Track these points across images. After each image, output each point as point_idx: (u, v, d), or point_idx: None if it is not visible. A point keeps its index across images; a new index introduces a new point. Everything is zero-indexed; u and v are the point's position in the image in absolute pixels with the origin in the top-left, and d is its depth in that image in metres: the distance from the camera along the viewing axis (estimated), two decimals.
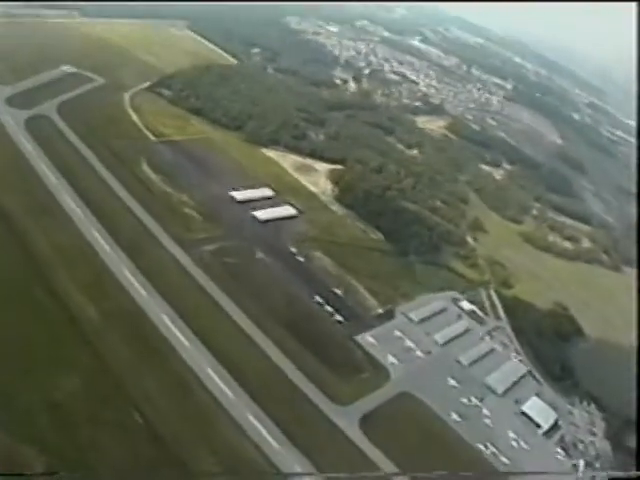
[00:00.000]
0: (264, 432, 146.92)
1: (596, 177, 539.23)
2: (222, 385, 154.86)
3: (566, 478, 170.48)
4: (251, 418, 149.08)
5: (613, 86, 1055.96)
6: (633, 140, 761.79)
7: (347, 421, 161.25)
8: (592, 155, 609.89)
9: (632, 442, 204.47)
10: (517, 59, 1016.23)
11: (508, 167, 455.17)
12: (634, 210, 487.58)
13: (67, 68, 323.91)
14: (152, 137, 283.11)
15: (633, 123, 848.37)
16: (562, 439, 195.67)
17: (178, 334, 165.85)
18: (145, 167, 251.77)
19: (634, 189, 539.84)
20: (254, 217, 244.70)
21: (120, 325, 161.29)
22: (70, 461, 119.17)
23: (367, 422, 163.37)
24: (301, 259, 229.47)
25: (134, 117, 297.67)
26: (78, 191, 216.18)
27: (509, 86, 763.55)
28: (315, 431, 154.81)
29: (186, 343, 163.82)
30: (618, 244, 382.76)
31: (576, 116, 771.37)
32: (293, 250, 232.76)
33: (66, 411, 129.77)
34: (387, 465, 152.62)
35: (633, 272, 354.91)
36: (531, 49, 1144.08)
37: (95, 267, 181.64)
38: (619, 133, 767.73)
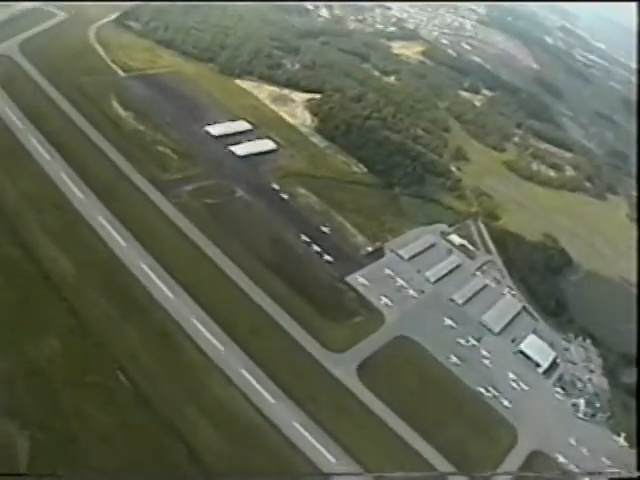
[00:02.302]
0: (258, 386, 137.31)
1: (573, 102, 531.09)
2: (211, 338, 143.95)
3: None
4: (243, 371, 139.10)
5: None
6: (606, 64, 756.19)
7: (344, 370, 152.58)
8: (568, 80, 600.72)
9: (629, 378, 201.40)
10: None
11: (487, 93, 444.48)
12: (612, 135, 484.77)
13: (27, 3, 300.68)
14: (121, 72, 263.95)
15: (604, 47, 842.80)
16: (561, 378, 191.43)
17: (160, 284, 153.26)
18: (115, 104, 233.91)
19: (610, 114, 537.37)
20: (232, 153, 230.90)
21: (97, 278, 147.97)
22: (54, 433, 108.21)
23: (365, 370, 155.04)
24: (285, 196, 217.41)
25: (101, 52, 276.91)
26: (45, 134, 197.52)
27: (481, 10, 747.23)
28: (312, 382, 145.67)
29: (169, 294, 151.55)
30: (601, 172, 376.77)
31: (549, 40, 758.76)
32: (275, 187, 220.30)
33: (46, 377, 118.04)
34: (389, 416, 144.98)
35: (617, 199, 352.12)
36: None
37: (67, 215, 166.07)
38: (593, 57, 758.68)
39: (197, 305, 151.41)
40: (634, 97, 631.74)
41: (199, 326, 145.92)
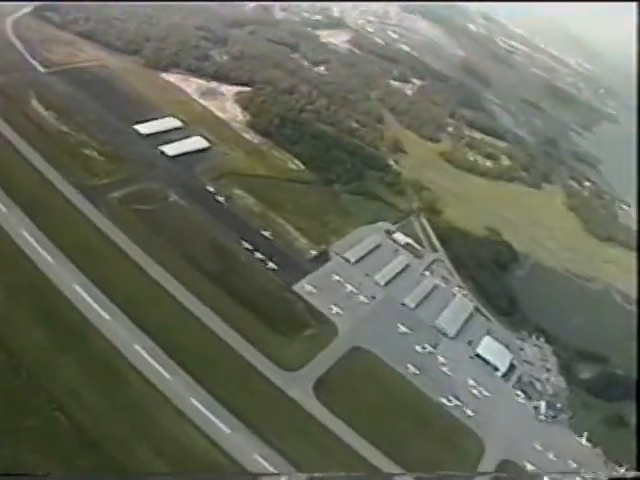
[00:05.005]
0: (211, 416, 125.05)
1: (501, 90, 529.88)
2: (155, 364, 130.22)
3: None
4: (194, 401, 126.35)
5: None
6: (528, 50, 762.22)
7: (300, 390, 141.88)
8: (493, 67, 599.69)
9: (586, 374, 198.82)
10: None
11: (417, 82, 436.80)
12: (540, 122, 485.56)
13: None
14: (41, 68, 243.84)
15: (525, 33, 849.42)
16: (519, 380, 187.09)
17: (95, 306, 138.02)
18: (35, 103, 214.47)
19: (537, 101, 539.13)
20: (163, 153, 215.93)
21: (26, 303, 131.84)
22: None
23: (322, 388, 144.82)
24: (221, 199, 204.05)
25: (19, 46, 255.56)
26: None
27: None
28: (268, 407, 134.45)
29: (106, 316, 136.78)
30: (535, 160, 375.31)
31: (472, 27, 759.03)
32: (211, 189, 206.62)
33: None
34: (352, 437, 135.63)
35: (552, 188, 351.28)
36: None
37: None
38: (514, 43, 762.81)
39: (137, 327, 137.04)
40: (558, 84, 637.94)
41: (141, 352, 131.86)
